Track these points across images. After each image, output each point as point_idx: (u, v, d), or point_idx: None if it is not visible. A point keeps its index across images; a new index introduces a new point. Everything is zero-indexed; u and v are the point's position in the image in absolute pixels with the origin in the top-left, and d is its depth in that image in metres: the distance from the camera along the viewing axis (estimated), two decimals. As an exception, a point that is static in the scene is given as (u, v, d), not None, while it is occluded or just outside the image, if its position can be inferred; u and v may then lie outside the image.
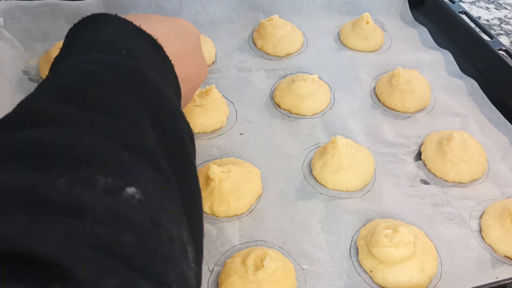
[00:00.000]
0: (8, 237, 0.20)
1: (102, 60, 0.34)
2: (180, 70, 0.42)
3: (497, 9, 1.02)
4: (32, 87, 0.61)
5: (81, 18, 0.41)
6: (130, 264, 0.22)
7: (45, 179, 0.23)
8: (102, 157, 0.26)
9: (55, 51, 0.50)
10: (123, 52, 0.36)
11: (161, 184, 0.28)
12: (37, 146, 0.25)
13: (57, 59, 0.38)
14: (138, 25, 0.39)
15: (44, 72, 0.67)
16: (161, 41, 0.40)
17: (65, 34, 0.42)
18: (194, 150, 0.37)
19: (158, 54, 0.39)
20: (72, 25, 0.42)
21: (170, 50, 0.40)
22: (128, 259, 0.22)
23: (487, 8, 1.02)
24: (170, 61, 0.40)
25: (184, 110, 0.63)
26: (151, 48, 0.38)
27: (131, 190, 0.25)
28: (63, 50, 0.39)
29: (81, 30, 0.40)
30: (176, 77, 0.40)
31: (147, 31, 0.39)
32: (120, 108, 0.30)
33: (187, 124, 0.36)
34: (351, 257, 0.52)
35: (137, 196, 0.25)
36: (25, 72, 0.69)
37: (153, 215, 0.25)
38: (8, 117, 0.28)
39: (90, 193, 0.24)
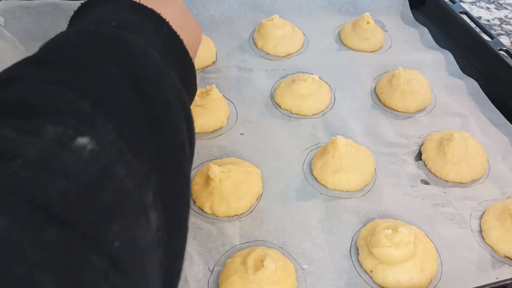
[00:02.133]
0: None
1: (83, 31, 0.34)
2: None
3: (497, 9, 1.02)
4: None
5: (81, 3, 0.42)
6: (50, 213, 0.21)
7: None
8: (58, 107, 0.26)
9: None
10: (112, 24, 0.35)
11: (127, 139, 0.27)
12: None
13: None
14: (137, 1, 0.39)
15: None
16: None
17: None
18: (188, 118, 0.35)
19: (158, 27, 0.38)
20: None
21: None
22: (49, 208, 0.21)
23: (488, 8, 1.02)
24: (177, 35, 0.39)
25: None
26: (149, 22, 0.38)
27: (82, 140, 0.24)
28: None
29: (82, 12, 0.41)
30: (183, 50, 0.39)
31: (149, 6, 0.39)
32: (90, 67, 0.30)
33: (176, 91, 0.34)
34: (351, 257, 0.52)
35: (89, 146, 0.24)
36: (25, 72, 0.69)
37: (105, 167, 0.24)
38: None
39: (28, 140, 0.23)
